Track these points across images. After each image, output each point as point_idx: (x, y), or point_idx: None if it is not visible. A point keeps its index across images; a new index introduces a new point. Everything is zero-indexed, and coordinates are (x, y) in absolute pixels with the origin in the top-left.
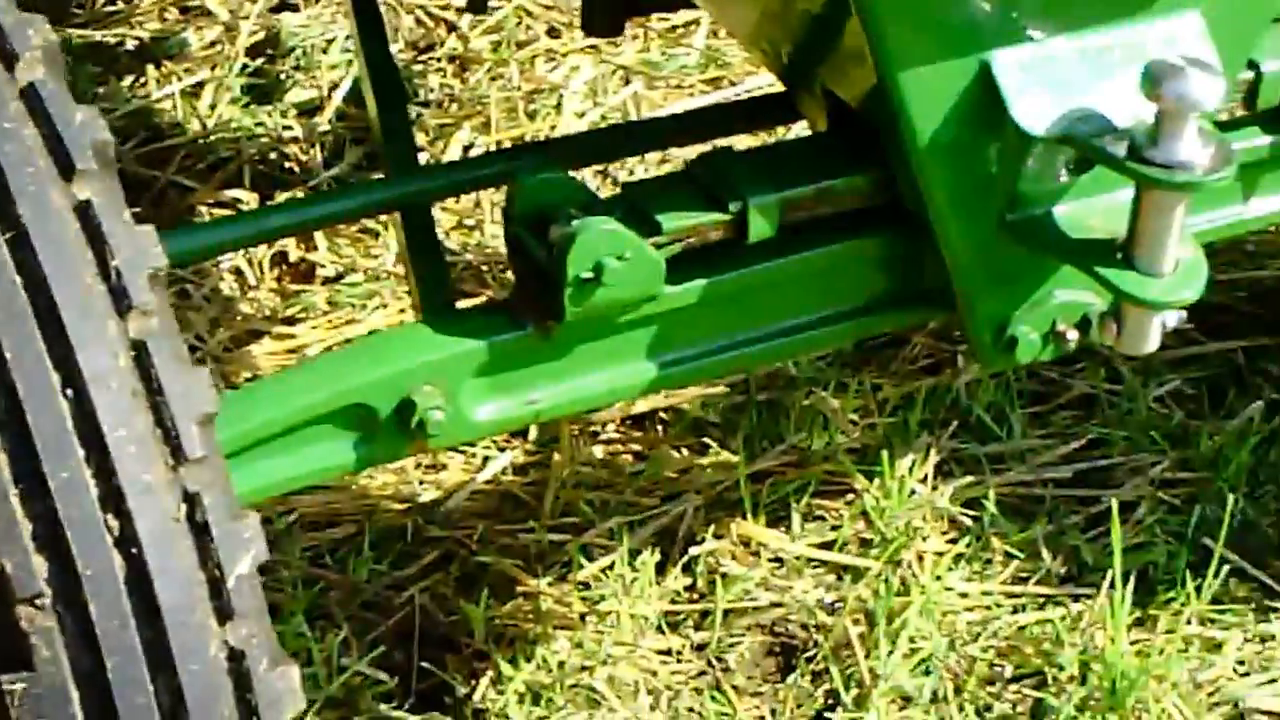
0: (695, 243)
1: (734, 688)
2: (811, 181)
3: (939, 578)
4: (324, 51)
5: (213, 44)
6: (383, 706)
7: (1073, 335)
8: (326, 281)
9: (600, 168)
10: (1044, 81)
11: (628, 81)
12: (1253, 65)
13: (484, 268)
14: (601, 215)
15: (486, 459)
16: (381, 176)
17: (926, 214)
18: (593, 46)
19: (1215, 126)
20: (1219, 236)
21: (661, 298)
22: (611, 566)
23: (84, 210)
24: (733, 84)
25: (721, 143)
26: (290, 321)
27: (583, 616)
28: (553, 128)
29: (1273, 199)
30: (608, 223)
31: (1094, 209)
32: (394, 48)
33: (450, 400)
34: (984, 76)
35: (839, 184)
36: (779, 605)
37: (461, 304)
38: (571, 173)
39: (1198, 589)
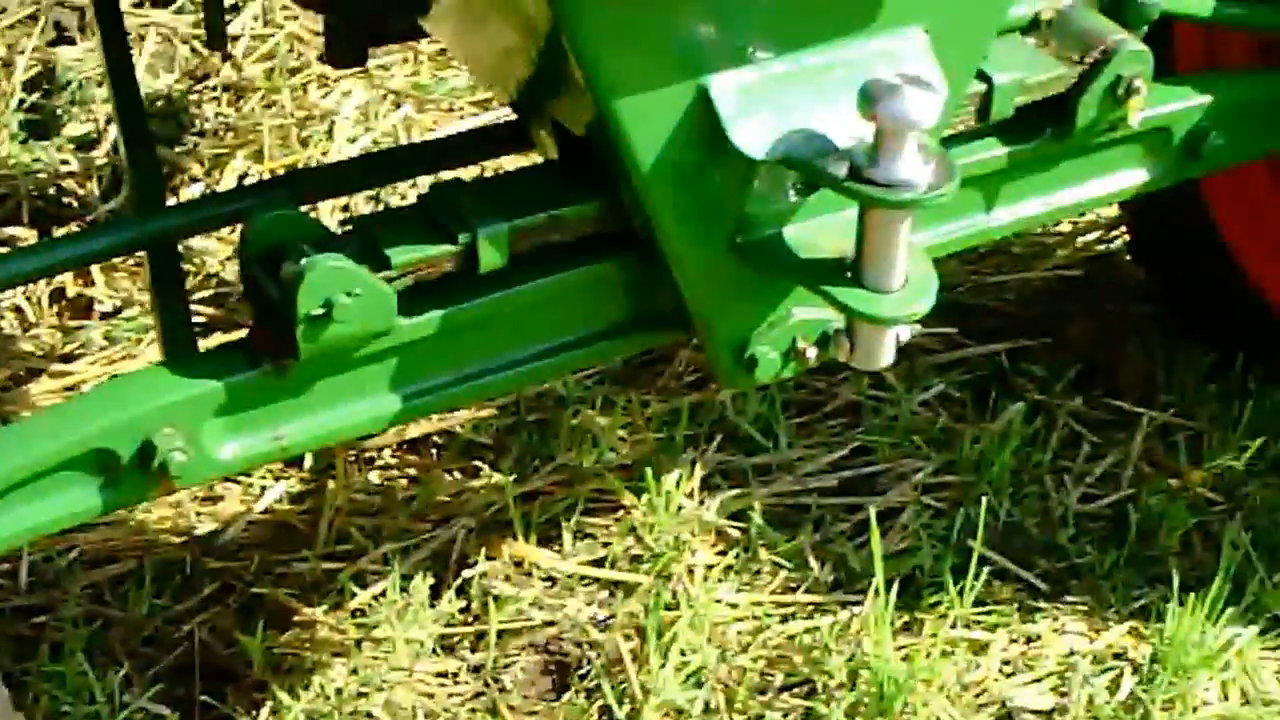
0: (428, 275)
1: (510, 708)
2: (541, 210)
3: (709, 590)
4: (99, 85)
5: None
6: None
7: (812, 352)
8: (104, 316)
9: (373, 193)
10: (764, 104)
11: (399, 105)
12: (984, 77)
13: None
14: (333, 251)
15: (264, 489)
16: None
17: (657, 239)
18: (364, 71)
19: (954, 138)
20: (964, 246)
21: (396, 331)
22: (385, 593)
23: None
24: (502, 105)
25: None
26: (68, 359)
27: (358, 643)
28: (324, 153)
29: (1015, 207)
30: (337, 259)
31: (823, 228)
32: (170, 78)
33: (192, 441)
34: (703, 101)
35: (569, 212)
36: (552, 624)
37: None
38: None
39: (961, 592)
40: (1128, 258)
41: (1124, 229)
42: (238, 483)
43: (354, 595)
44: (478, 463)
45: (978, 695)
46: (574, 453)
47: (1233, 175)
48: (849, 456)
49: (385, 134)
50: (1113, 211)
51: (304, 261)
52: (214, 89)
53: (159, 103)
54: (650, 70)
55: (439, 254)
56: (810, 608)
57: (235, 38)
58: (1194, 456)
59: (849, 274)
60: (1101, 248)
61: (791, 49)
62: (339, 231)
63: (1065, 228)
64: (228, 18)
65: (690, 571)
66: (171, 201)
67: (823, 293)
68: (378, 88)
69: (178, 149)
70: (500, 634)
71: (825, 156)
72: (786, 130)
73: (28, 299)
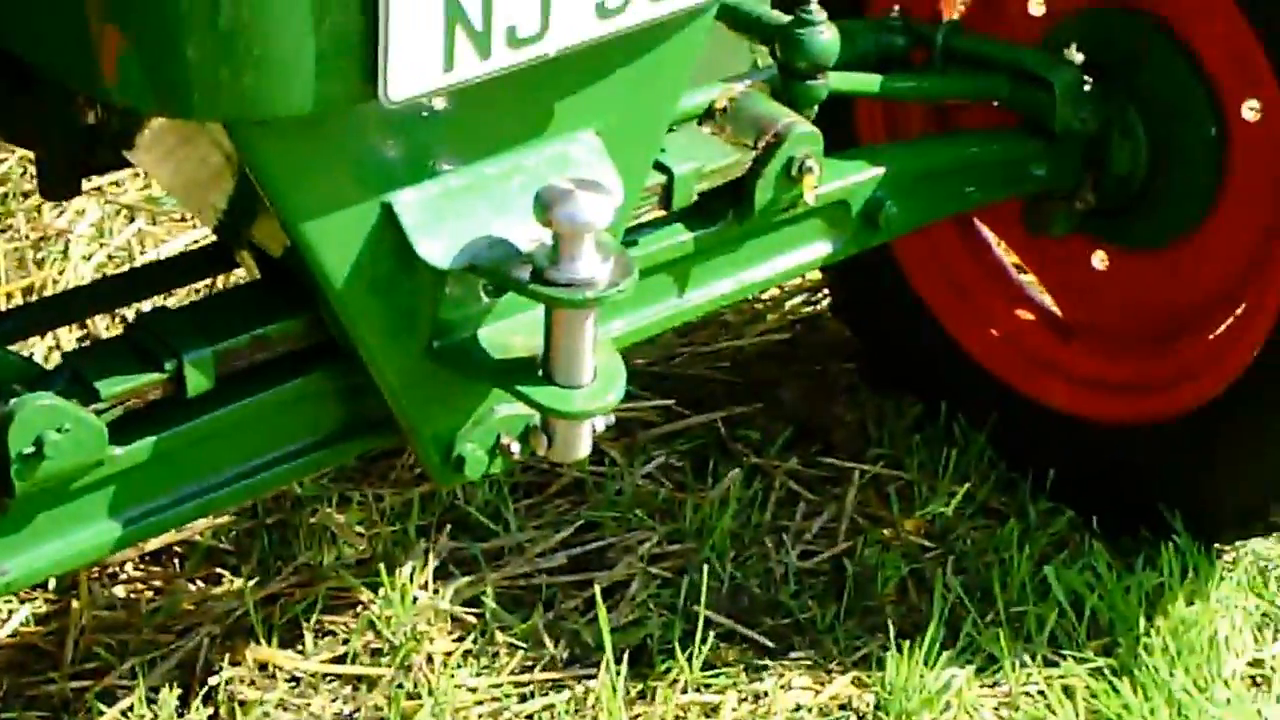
0: (139, 403)
1: None
2: (246, 330)
3: (449, 677)
4: None
5: None
6: None
7: (516, 448)
8: None
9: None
10: (447, 215)
11: (132, 219)
12: (664, 169)
13: None
14: (42, 389)
15: (10, 612)
16: None
17: (357, 351)
18: (98, 189)
19: (642, 226)
20: (662, 329)
21: (110, 461)
22: (132, 708)
23: None
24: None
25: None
26: None
27: None
28: (61, 272)
29: (706, 289)
30: (45, 397)
31: (516, 327)
32: None
33: None
34: (388, 217)
35: (273, 330)
36: None
37: None
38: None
39: (690, 657)
40: (832, 318)
41: (827, 290)
42: None
43: (102, 713)
44: (220, 569)
45: None
46: (313, 551)
47: (922, 232)
48: (577, 534)
49: (120, 248)
50: (817, 273)
51: (13, 401)
52: None
53: None
54: (332, 193)
55: (147, 383)
56: (547, 685)
57: None
58: (906, 506)
59: (541, 372)
60: (808, 309)
61: (470, 160)
62: (50, 367)
63: (774, 292)
64: None
65: (430, 660)
66: None
67: (516, 393)
68: (111, 204)
69: None
70: None
71: (509, 261)
72: (470, 239)
73: None
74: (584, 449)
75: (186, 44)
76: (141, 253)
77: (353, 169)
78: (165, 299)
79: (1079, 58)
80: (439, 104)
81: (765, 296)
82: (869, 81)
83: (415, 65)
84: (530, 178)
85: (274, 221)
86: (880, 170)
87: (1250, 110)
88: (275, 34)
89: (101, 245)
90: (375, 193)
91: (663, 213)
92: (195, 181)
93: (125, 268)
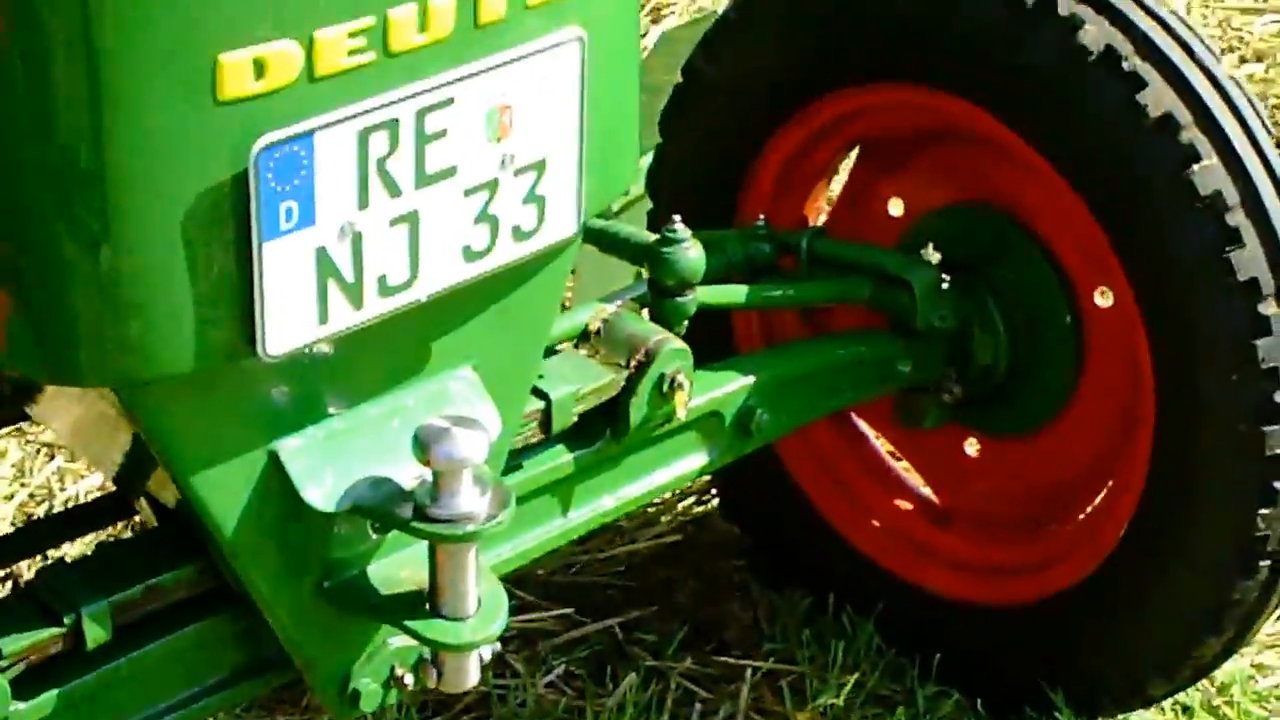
0: (39, 658)
1: None
2: (141, 580)
3: None
4: None
5: None
6: None
7: (409, 679)
8: None
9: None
10: (331, 458)
11: (52, 457)
12: (542, 394)
13: None
14: None
15: None
16: None
17: (250, 594)
18: (17, 429)
19: (523, 450)
20: (548, 550)
21: (15, 716)
22: None
23: None
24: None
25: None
26: None
27: None
28: None
29: (588, 506)
30: None
31: (403, 561)
32: None
33: None
34: (275, 465)
35: (168, 579)
36: None
37: None
38: None
39: None
40: (722, 517)
41: (716, 490)
42: None
43: None
44: None
45: None
46: None
47: (799, 429)
48: None
49: (41, 487)
50: None
51: None
52: None
53: None
54: (219, 445)
55: (46, 638)
56: None
57: None
58: (799, 699)
59: (428, 605)
60: (700, 509)
61: (351, 403)
62: None
63: (665, 495)
64: None
65: None
66: None
67: (405, 628)
68: (31, 443)
69: None
70: None
71: (391, 500)
72: (354, 480)
73: None
74: (473, 679)
75: (72, 315)
76: (62, 488)
77: (238, 421)
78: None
79: (936, 257)
80: (318, 352)
81: (657, 499)
82: (736, 293)
83: (291, 320)
84: (410, 417)
85: (165, 473)
86: (750, 379)
87: (1101, 297)
88: (156, 299)
89: (23, 485)
90: (261, 442)
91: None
92: (89, 436)
93: (46, 506)
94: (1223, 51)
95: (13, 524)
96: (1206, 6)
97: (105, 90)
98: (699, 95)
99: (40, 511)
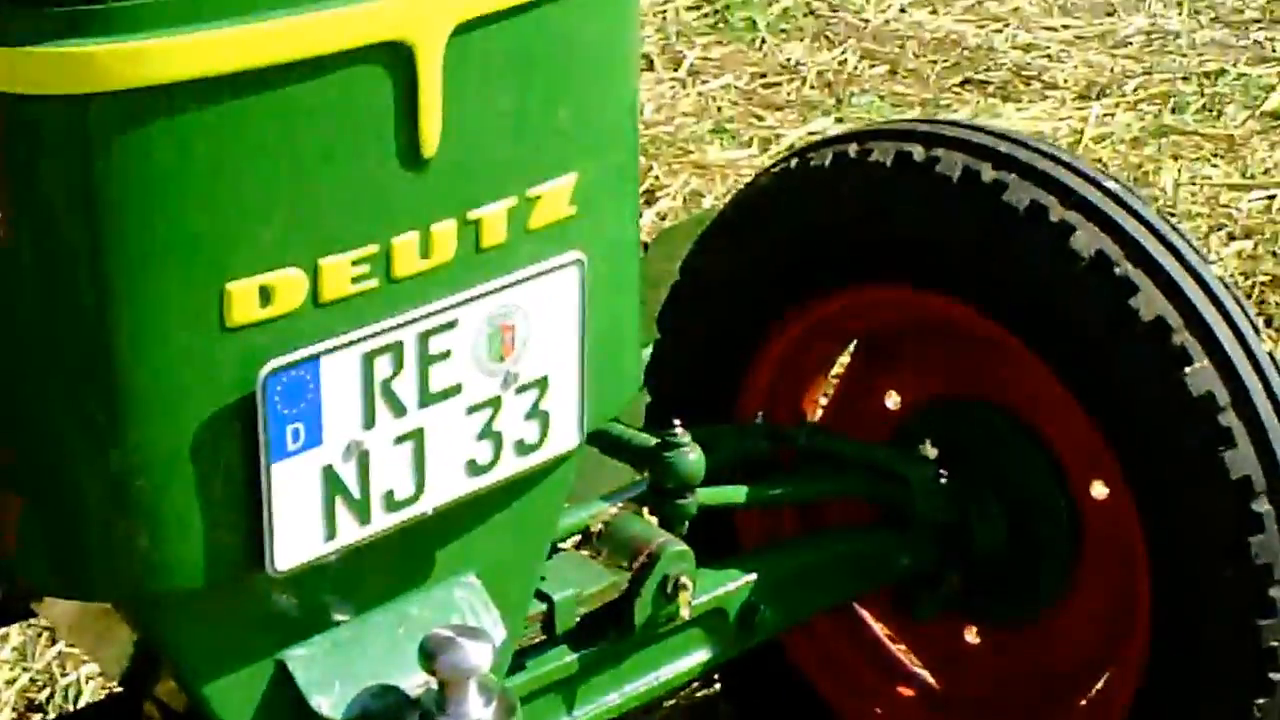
0: None
1: None
2: None
3: None
4: None
5: None
6: None
7: None
8: None
9: None
10: (338, 667)
11: (54, 642)
12: (545, 596)
13: None
14: None
15: None
16: None
17: None
18: None
19: (528, 650)
20: None
21: None
22: None
23: None
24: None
25: None
26: None
27: None
28: None
29: (593, 704)
30: None
31: None
32: None
33: None
34: (282, 674)
35: None
36: None
37: None
38: None
39: None
40: (725, 702)
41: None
42: None
43: None
44: None
45: None
46: None
47: None
48: None
49: (42, 671)
50: None
51: None
52: None
53: None
54: (228, 655)
55: None
56: None
57: None
58: None
59: None
60: (703, 693)
61: (358, 612)
62: None
63: None
64: None
65: None
66: None
67: None
68: (33, 627)
69: None
70: None
71: (398, 709)
72: (361, 689)
73: None
74: None
75: (82, 525)
76: (64, 673)
77: (246, 631)
78: None
79: (933, 451)
80: (326, 564)
81: None
82: (735, 493)
83: (299, 536)
84: (415, 625)
85: (174, 679)
86: (752, 576)
87: (1098, 490)
88: (166, 513)
89: (25, 669)
90: (269, 652)
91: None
92: (96, 638)
93: (47, 691)
94: (1210, 230)
95: (14, 709)
96: (1194, 183)
97: (115, 314)
98: (697, 292)
99: (42, 697)
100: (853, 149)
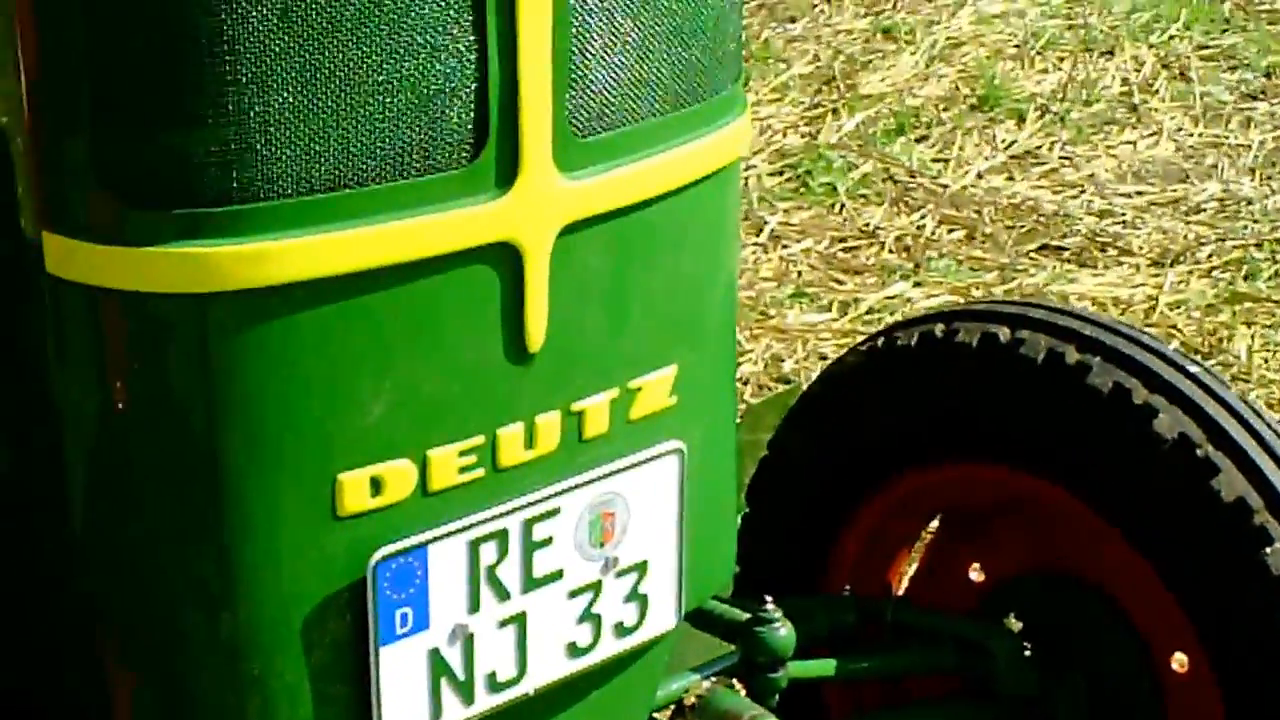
0: None
1: None
2: None
3: None
4: None
5: None
6: None
7: None
8: None
9: None
10: None
11: None
12: None
13: None
14: None
15: None
16: None
17: None
18: None
19: None
20: None
21: None
22: None
23: None
24: None
25: None
26: None
27: None
28: None
29: None
30: None
31: None
32: None
33: None
34: None
35: None
36: None
37: None
38: None
39: None
40: None
41: None
42: None
43: None
44: None
45: None
46: None
47: None
48: None
49: None
50: None
51: None
52: None
53: None
54: None
55: None
56: None
57: None
58: None
59: None
60: None
61: None
62: None
63: None
64: None
65: None
66: None
67: None
68: None
69: None
70: None
71: None
72: None
73: None
74: None
75: (196, 707)
76: None
77: None
78: None
79: (1017, 625)
80: None
81: None
82: (825, 666)
83: (405, 716)
84: None
85: None
86: None
87: (1178, 663)
88: (277, 694)
89: None
90: None
91: None
92: None
93: None
94: None
95: None
96: (1268, 349)
97: (230, 501)
98: (785, 467)
99: None
100: (939, 329)
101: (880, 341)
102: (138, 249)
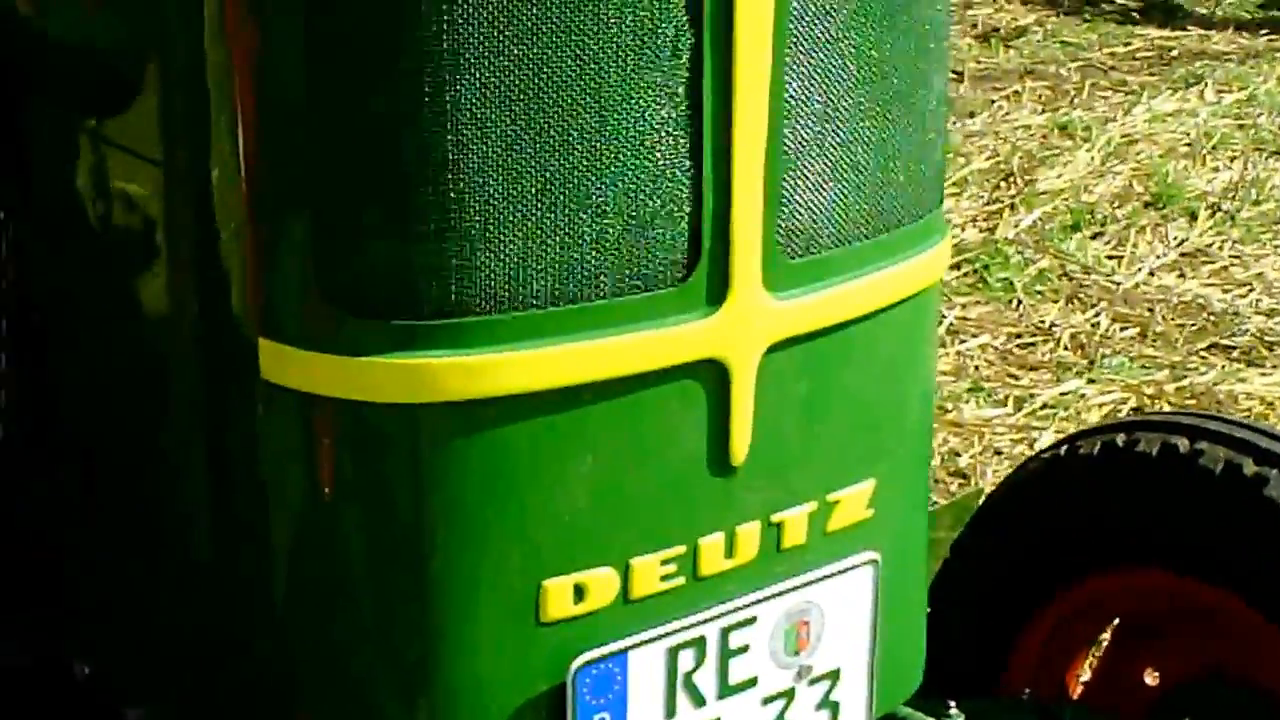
0: None
1: None
2: None
3: None
4: None
5: None
6: None
7: None
8: None
9: None
10: None
11: None
12: None
13: None
14: None
15: None
16: None
17: None
18: None
19: None
20: None
21: None
22: None
23: None
24: None
25: None
26: None
27: None
28: None
29: None
30: None
31: None
32: None
33: None
34: None
35: None
36: None
37: None
38: None
39: None
40: None
41: None
42: None
43: None
44: None
45: None
46: None
47: None
48: None
49: None
50: None
51: None
52: None
53: None
54: None
55: None
56: None
57: None
58: None
59: None
60: None
61: None
62: None
63: None
64: None
65: None
66: None
67: None
68: None
69: None
70: None
71: None
72: None
73: None
74: None
75: None
76: None
77: None
78: None
79: None
80: None
81: None
82: None
83: None
84: None
85: None
86: None
87: None
88: None
89: None
90: None
91: None
92: None
93: None
94: None
95: None
96: None
97: (434, 603)
98: (967, 571)
99: None
100: (1120, 439)
101: (1063, 450)
102: (355, 358)
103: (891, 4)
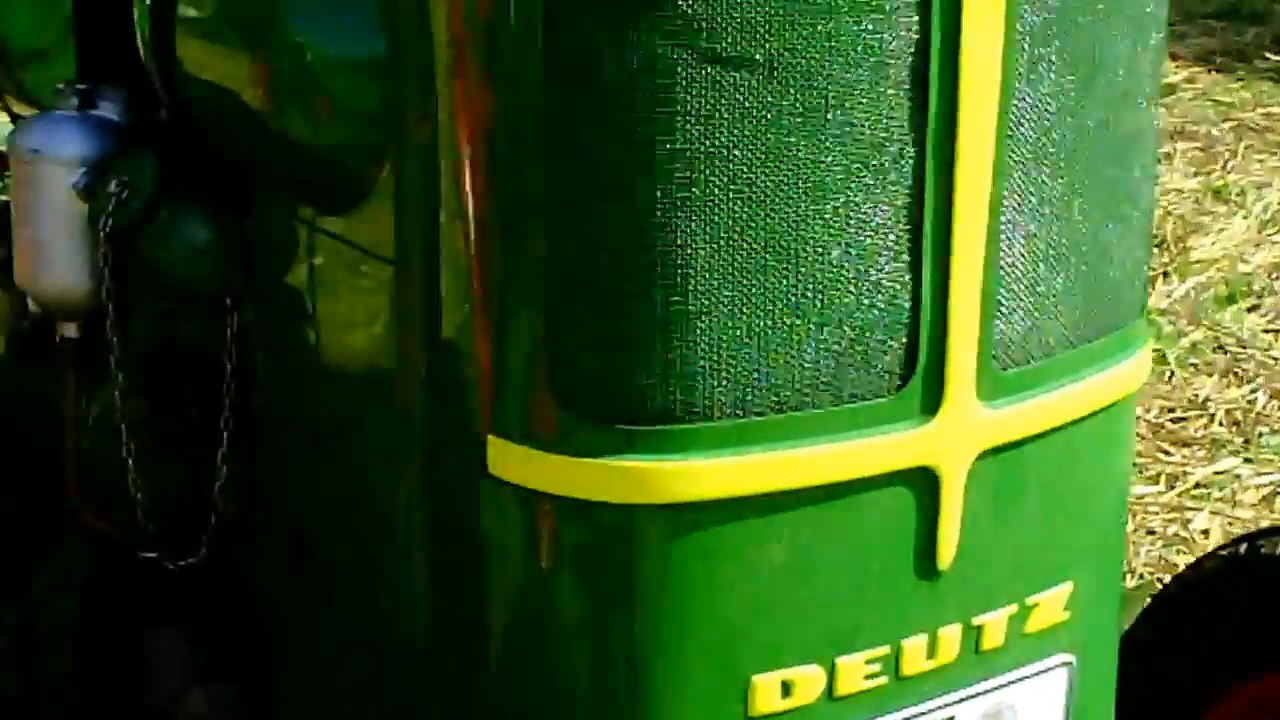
0: None
1: None
2: None
3: None
4: None
5: None
6: None
7: None
8: None
9: None
10: None
11: None
12: None
13: None
14: None
15: None
16: None
17: None
18: None
19: None
20: None
21: None
22: None
23: None
24: None
25: None
26: None
27: None
28: None
29: None
30: None
31: None
32: None
33: None
34: None
35: None
36: None
37: None
38: None
39: None
40: None
41: None
42: None
43: None
44: None
45: None
46: None
47: None
48: None
49: None
50: None
51: None
52: None
53: None
54: None
55: None
56: None
57: None
58: None
59: None
60: None
61: None
62: None
63: None
64: None
65: None
66: None
67: None
68: None
69: None
70: None
71: None
72: None
73: None
74: None
75: None
76: None
77: None
78: None
79: None
80: None
81: None
82: None
83: None
84: None
85: None
86: None
87: None
88: None
89: None
90: None
91: None
92: None
93: None
94: None
95: None
96: None
97: (646, 699)
98: (1139, 664)
99: None
100: None
101: (1243, 548)
102: (579, 459)
103: (1110, 114)
